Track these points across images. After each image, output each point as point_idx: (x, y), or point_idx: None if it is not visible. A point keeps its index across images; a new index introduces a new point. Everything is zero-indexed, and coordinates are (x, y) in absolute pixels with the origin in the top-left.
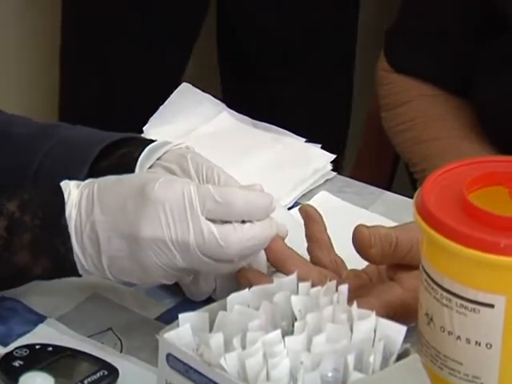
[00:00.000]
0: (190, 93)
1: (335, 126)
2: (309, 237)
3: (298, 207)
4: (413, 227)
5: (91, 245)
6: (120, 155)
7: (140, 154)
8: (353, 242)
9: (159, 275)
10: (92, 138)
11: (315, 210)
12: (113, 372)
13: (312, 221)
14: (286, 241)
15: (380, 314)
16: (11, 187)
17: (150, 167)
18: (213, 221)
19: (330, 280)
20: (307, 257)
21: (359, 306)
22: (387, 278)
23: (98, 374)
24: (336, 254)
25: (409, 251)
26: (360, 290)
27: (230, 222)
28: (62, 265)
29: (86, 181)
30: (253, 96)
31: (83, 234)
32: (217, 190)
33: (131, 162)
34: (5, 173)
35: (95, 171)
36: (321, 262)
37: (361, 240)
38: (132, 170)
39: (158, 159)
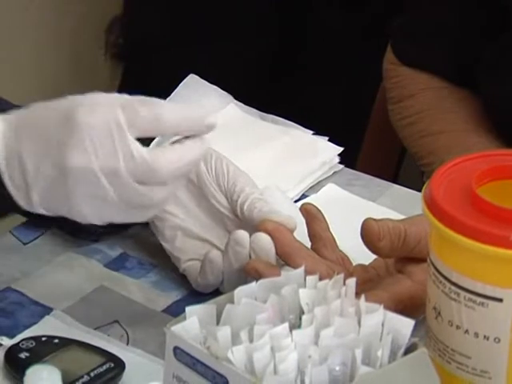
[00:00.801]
0: (197, 84)
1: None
2: (312, 235)
3: (300, 206)
4: (421, 220)
5: (20, 177)
6: None
7: (148, 145)
8: (361, 236)
9: (90, 212)
10: None
11: (316, 208)
12: (119, 364)
13: (314, 219)
14: (294, 234)
15: (389, 307)
16: None
17: None
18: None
19: (337, 274)
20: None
21: (367, 300)
22: (396, 271)
23: (105, 367)
24: (341, 251)
25: (417, 244)
26: (368, 284)
27: None
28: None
29: (13, 111)
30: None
31: (12, 166)
32: (144, 105)
33: None
34: None
35: None
36: (326, 259)
37: (369, 233)
38: None
39: None
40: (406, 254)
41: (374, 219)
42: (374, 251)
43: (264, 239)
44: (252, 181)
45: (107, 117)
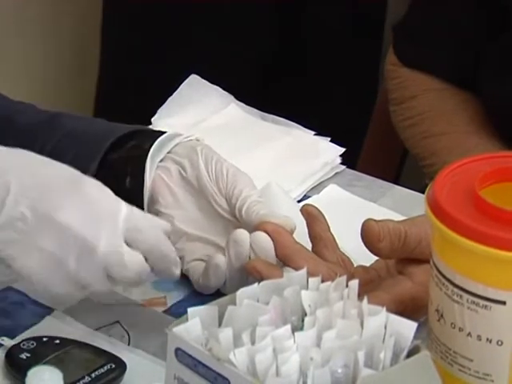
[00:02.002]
0: (198, 84)
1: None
2: (313, 236)
3: (301, 207)
4: (422, 221)
5: None
6: (130, 148)
7: (150, 147)
8: (361, 236)
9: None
10: (99, 130)
11: (317, 209)
12: (120, 365)
13: (315, 220)
14: (294, 235)
15: (390, 308)
16: None
17: (161, 161)
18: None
19: (339, 275)
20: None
21: (369, 301)
22: (396, 272)
23: (106, 368)
24: (342, 252)
25: (418, 245)
26: (369, 285)
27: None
28: None
29: None
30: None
31: None
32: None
33: (142, 155)
34: None
35: (104, 164)
36: (327, 260)
37: (370, 234)
38: (143, 163)
39: (168, 152)
40: (407, 255)
41: (375, 220)
42: (374, 252)
43: (263, 238)
44: (252, 182)
45: (113, 204)
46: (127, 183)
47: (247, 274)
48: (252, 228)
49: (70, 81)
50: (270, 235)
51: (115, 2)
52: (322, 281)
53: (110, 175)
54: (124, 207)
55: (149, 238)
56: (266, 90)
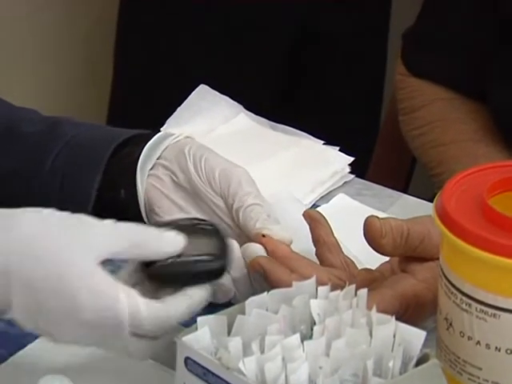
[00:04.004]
0: (207, 94)
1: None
2: (316, 240)
3: (303, 212)
4: (424, 220)
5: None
6: (123, 156)
7: (140, 154)
8: (364, 233)
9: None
10: (99, 139)
11: (319, 213)
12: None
13: (318, 224)
14: (303, 241)
15: (393, 305)
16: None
17: (152, 168)
18: None
19: (339, 279)
20: (317, 261)
21: (371, 298)
22: (400, 270)
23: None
24: (345, 255)
25: (421, 243)
26: (372, 284)
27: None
28: None
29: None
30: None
31: None
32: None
33: (132, 165)
34: (15, 176)
35: (109, 169)
36: (331, 264)
37: (372, 230)
38: (133, 174)
39: (158, 158)
40: (410, 254)
41: (377, 217)
42: (376, 248)
43: (256, 249)
44: (246, 175)
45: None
46: (122, 194)
47: (252, 273)
48: (248, 238)
49: (83, 89)
50: (265, 247)
51: (130, 10)
52: (320, 284)
53: (107, 187)
54: (125, 314)
55: (153, 331)
56: (276, 101)
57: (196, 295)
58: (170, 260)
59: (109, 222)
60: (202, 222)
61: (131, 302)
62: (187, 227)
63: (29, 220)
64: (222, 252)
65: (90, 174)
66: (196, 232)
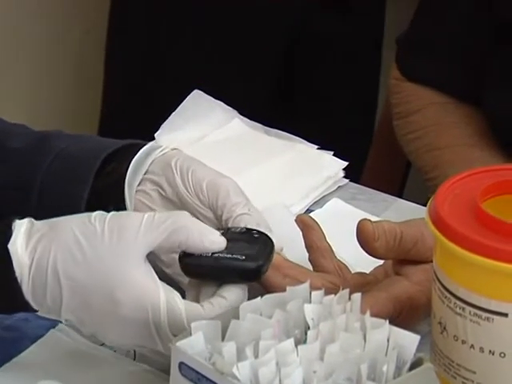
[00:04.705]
0: (201, 99)
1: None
2: (309, 246)
3: (296, 217)
4: (417, 223)
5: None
6: (110, 171)
7: (127, 169)
8: (357, 236)
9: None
10: (88, 151)
11: (312, 218)
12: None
13: (310, 230)
14: (295, 248)
15: (387, 307)
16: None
17: (140, 183)
18: None
19: (333, 284)
20: (310, 267)
21: (366, 301)
22: (394, 273)
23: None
24: (338, 260)
25: (414, 245)
26: (365, 287)
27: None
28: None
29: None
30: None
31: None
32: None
33: (119, 181)
34: (7, 192)
35: (92, 191)
36: (324, 269)
37: (365, 233)
38: (121, 189)
39: (145, 173)
40: (403, 256)
41: (370, 220)
42: (369, 251)
43: None
44: (234, 185)
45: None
46: (111, 210)
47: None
48: None
49: (75, 95)
50: None
51: (121, 15)
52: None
53: (96, 202)
54: (164, 312)
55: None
56: (270, 106)
57: (232, 296)
58: (205, 254)
59: (151, 215)
60: (254, 231)
61: (170, 301)
62: (235, 233)
63: (73, 221)
64: (261, 255)
65: (78, 190)
66: (242, 238)
